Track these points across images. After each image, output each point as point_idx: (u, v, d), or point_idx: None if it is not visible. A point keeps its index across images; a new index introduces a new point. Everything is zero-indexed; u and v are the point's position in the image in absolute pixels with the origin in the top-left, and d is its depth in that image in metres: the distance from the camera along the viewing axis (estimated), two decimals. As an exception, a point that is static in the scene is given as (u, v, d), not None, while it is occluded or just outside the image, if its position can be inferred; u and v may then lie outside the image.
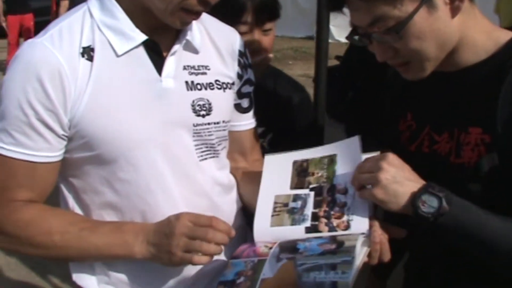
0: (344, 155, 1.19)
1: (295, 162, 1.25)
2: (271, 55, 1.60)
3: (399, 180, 1.06)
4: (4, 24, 8.68)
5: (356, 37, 1.13)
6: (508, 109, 1.05)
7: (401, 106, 1.29)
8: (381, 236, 1.07)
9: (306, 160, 1.24)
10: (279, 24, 1.62)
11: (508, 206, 1.05)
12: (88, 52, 1.11)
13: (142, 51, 1.15)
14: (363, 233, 1.07)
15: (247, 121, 1.37)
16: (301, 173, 1.22)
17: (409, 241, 1.15)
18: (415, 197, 1.04)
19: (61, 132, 1.10)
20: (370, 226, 1.08)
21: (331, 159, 1.21)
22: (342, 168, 1.18)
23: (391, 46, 1.08)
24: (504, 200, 1.06)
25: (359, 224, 1.09)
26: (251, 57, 1.50)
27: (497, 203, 1.05)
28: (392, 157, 1.08)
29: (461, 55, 1.12)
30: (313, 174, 1.21)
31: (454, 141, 1.14)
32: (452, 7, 1.06)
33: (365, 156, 1.16)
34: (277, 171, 1.25)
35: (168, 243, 1.09)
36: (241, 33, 1.48)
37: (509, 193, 1.06)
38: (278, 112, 1.64)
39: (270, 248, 1.11)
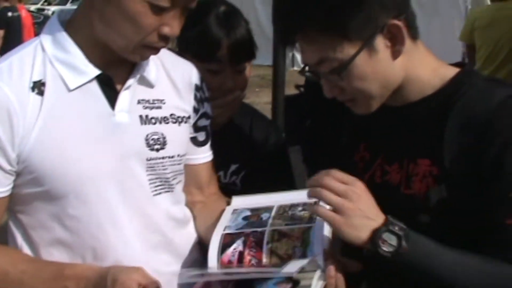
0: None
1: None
2: (244, 94, 1.59)
3: (365, 215, 1.05)
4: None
5: (307, 74, 1.18)
6: (454, 144, 1.08)
7: (355, 137, 1.32)
8: (336, 270, 1.07)
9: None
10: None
11: (456, 238, 1.07)
12: (38, 87, 1.10)
13: (95, 85, 1.14)
14: (319, 268, 1.07)
15: (204, 155, 1.37)
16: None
17: (366, 272, 1.15)
18: (375, 235, 1.04)
19: (8, 167, 1.09)
20: (326, 260, 1.09)
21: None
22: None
23: (337, 85, 1.12)
24: (452, 232, 1.08)
25: (315, 257, 1.09)
26: (224, 96, 1.51)
27: (445, 235, 1.07)
28: (362, 187, 1.08)
29: (408, 91, 1.16)
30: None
31: (404, 172, 1.16)
32: (393, 50, 1.10)
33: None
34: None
35: None
36: (215, 71, 1.49)
37: (457, 225, 1.09)
38: (253, 151, 1.65)
39: None
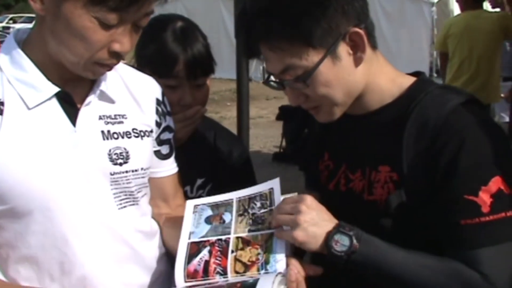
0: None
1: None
2: (204, 109, 1.60)
3: (317, 222, 1.10)
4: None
5: (272, 83, 1.20)
6: (412, 149, 1.12)
7: (320, 146, 1.34)
8: (297, 274, 1.09)
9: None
10: (217, 66, 1.62)
11: (418, 241, 1.10)
12: None
13: (55, 103, 1.15)
14: (280, 272, 1.09)
15: (168, 167, 1.39)
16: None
17: (329, 276, 1.17)
18: (328, 237, 1.08)
19: None
20: (287, 265, 1.10)
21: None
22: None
23: (302, 92, 1.15)
24: (413, 235, 1.11)
25: (277, 263, 1.11)
26: (183, 111, 1.52)
27: (407, 238, 1.10)
28: (310, 199, 1.12)
29: (368, 99, 1.20)
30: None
31: (367, 179, 1.19)
32: (355, 57, 1.14)
33: (283, 197, 1.19)
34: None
35: None
36: (173, 86, 1.50)
37: (417, 228, 1.12)
38: (218, 164, 1.66)
39: None
